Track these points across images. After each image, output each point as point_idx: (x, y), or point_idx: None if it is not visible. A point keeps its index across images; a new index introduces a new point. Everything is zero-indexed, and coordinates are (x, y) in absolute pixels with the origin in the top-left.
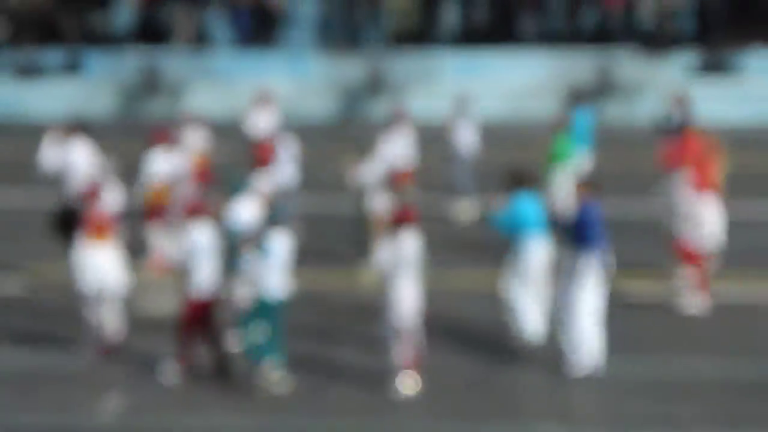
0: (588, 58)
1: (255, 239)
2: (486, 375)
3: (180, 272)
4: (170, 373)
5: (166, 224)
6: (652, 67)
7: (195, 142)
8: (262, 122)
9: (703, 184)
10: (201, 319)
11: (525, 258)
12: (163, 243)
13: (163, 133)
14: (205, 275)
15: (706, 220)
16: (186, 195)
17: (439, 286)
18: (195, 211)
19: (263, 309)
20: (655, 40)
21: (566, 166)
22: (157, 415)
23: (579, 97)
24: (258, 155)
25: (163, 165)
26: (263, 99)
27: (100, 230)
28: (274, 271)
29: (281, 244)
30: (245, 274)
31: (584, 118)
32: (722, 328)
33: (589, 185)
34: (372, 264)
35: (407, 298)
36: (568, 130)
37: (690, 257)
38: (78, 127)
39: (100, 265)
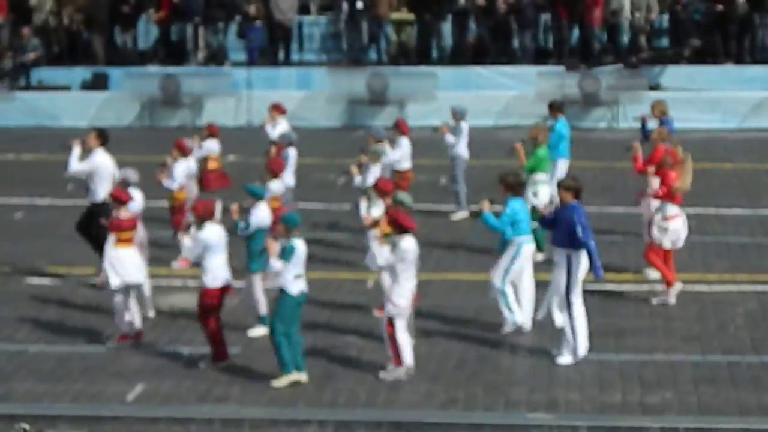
0: (572, 73)
1: (276, 240)
2: (476, 362)
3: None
4: (202, 362)
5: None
6: (629, 81)
7: (212, 150)
8: (278, 131)
9: (666, 190)
10: (217, 306)
11: (515, 254)
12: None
13: (181, 143)
14: (219, 267)
15: (670, 223)
16: (199, 198)
17: (434, 279)
18: (205, 211)
19: (285, 305)
20: (631, 56)
21: (545, 173)
22: (175, 404)
23: (557, 108)
24: (272, 162)
25: (181, 171)
26: (277, 110)
27: (126, 231)
28: (294, 271)
29: (299, 246)
30: (270, 271)
31: (562, 128)
32: (690, 321)
33: (572, 188)
34: (370, 262)
35: (406, 293)
36: (546, 139)
37: (659, 257)
38: (101, 136)
39: (128, 261)
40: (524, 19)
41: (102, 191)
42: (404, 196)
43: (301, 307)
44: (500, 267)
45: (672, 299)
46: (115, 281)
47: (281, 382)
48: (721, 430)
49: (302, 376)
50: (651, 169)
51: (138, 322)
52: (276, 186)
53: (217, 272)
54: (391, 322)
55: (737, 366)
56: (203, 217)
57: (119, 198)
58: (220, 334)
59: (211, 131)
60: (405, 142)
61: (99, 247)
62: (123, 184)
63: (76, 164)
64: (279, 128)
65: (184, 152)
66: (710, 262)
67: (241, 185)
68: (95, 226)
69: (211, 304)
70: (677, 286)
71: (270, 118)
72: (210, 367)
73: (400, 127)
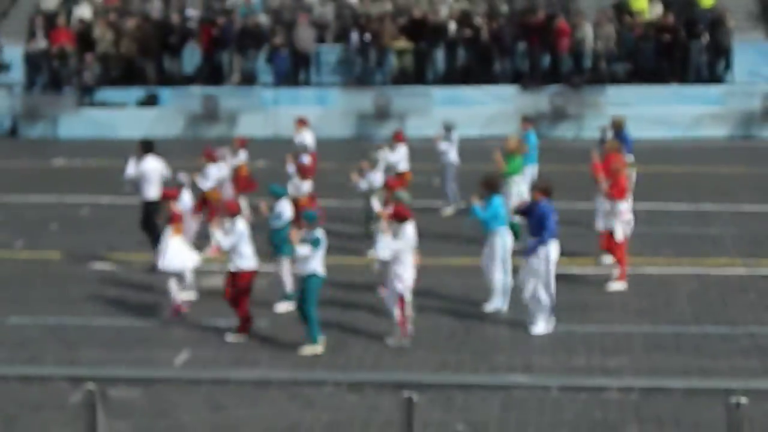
0: (543, 92)
1: (302, 234)
2: (464, 333)
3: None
4: (233, 334)
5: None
6: (592, 99)
7: (241, 158)
8: (306, 140)
9: (615, 190)
10: (248, 288)
11: (497, 244)
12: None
13: (210, 152)
14: (251, 254)
15: (621, 217)
16: (230, 198)
17: (428, 264)
18: (236, 208)
19: (310, 286)
20: (593, 78)
21: (519, 177)
22: (215, 368)
23: (528, 121)
24: (302, 168)
25: (214, 175)
26: (302, 123)
27: (178, 224)
28: (317, 258)
29: (321, 237)
30: (297, 256)
31: (532, 139)
32: (642, 298)
33: (543, 188)
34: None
35: (407, 274)
36: (524, 150)
37: (613, 245)
38: (150, 146)
39: (178, 249)
40: (504, 46)
41: (152, 191)
42: (403, 194)
43: (321, 285)
44: (496, 260)
45: (622, 282)
46: (167, 265)
47: (306, 351)
48: (669, 388)
49: (319, 347)
50: (601, 174)
51: (185, 300)
52: (306, 186)
53: (252, 258)
54: (402, 298)
55: (682, 336)
56: (235, 213)
57: (173, 195)
58: (250, 312)
59: (242, 143)
60: (402, 148)
61: (157, 239)
62: (177, 186)
63: (131, 170)
64: (306, 138)
65: (212, 159)
66: (658, 249)
67: (268, 186)
68: (152, 219)
69: (246, 284)
70: (624, 273)
71: (297, 130)
72: (234, 339)
73: (398, 137)
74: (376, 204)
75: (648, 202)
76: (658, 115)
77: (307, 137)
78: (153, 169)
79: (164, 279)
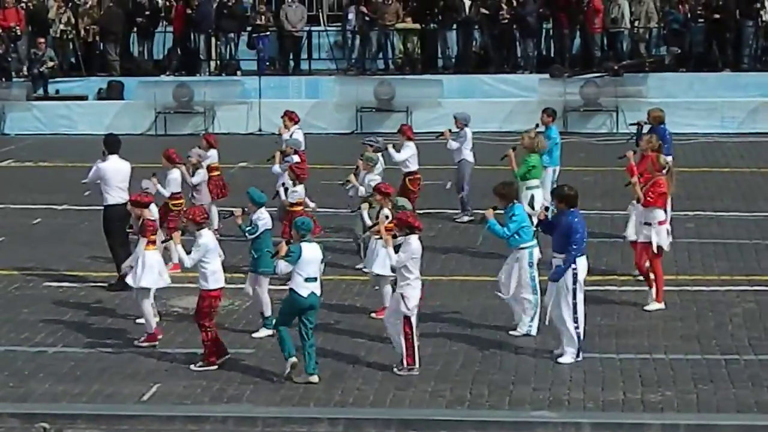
0: (571, 81)
1: (289, 243)
2: (481, 361)
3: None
4: (204, 363)
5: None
6: (627, 88)
7: (211, 158)
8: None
9: (652, 195)
10: (210, 310)
11: (530, 261)
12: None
13: (170, 153)
14: (219, 270)
15: (657, 226)
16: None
17: (441, 280)
18: (202, 217)
19: (290, 303)
20: (630, 64)
21: (537, 179)
22: (191, 402)
23: (550, 115)
24: (295, 169)
25: (173, 180)
26: (291, 118)
27: (152, 235)
28: (304, 274)
29: (305, 249)
30: (278, 271)
31: (554, 136)
32: (689, 321)
33: (566, 196)
34: (371, 264)
35: (413, 293)
36: (544, 147)
37: (650, 258)
38: (114, 143)
39: (153, 264)
40: (527, 28)
41: (115, 196)
42: (404, 201)
43: (314, 310)
44: (525, 279)
45: (658, 302)
46: (143, 282)
47: (287, 368)
48: (720, 427)
49: (314, 377)
50: (634, 178)
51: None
52: (300, 190)
53: (218, 275)
54: (408, 322)
55: (735, 364)
56: (201, 222)
57: (142, 200)
58: (218, 339)
59: (211, 141)
60: (410, 146)
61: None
62: (147, 190)
63: (92, 170)
64: (296, 135)
65: (173, 161)
66: (708, 263)
67: (246, 190)
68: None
69: (212, 305)
70: (660, 306)
71: (284, 126)
72: (202, 370)
73: (405, 133)
74: (365, 214)
75: (696, 209)
76: (708, 107)
77: (297, 134)
78: (117, 170)
79: (135, 298)
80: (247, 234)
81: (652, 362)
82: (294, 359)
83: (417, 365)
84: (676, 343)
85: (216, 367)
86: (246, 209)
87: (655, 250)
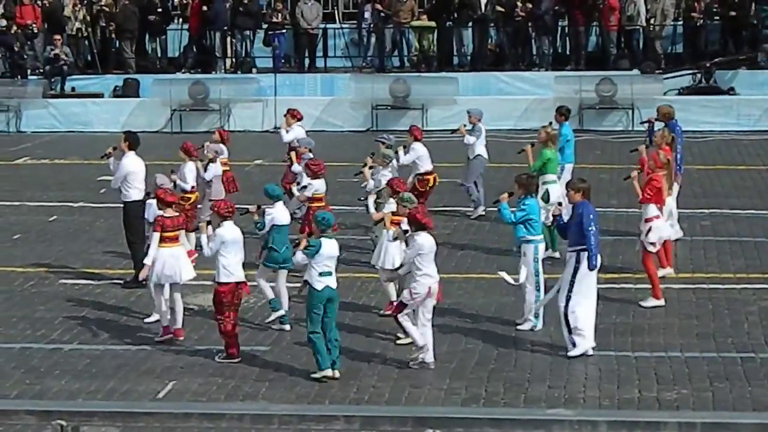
0: (588, 78)
1: (305, 239)
2: (497, 359)
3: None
4: (224, 356)
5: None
6: (645, 85)
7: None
8: (291, 135)
9: (648, 191)
10: (231, 301)
11: (535, 254)
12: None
13: (188, 146)
14: (232, 265)
15: (651, 224)
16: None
17: (456, 278)
18: (226, 210)
19: (310, 301)
20: (647, 61)
21: (554, 174)
22: (207, 399)
23: (562, 114)
24: (312, 165)
25: (192, 172)
26: (293, 115)
27: (171, 230)
28: (320, 268)
29: (324, 244)
30: (295, 263)
31: (568, 133)
32: (705, 319)
33: (580, 189)
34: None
35: (421, 288)
36: (556, 144)
37: (651, 263)
38: (136, 140)
39: (171, 259)
40: (542, 25)
41: (135, 192)
42: (410, 196)
43: (333, 304)
44: (529, 273)
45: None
46: (161, 278)
47: (317, 375)
48: (737, 425)
49: (335, 373)
50: (634, 173)
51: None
52: (318, 184)
53: (231, 269)
54: (399, 308)
55: (751, 362)
56: (223, 215)
57: (164, 199)
58: (234, 332)
59: (223, 137)
60: (419, 147)
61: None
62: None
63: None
64: (292, 133)
65: (189, 154)
66: (725, 261)
67: (263, 187)
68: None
69: (222, 300)
70: (657, 302)
71: (285, 123)
72: (225, 363)
73: (413, 134)
74: (371, 205)
75: (712, 206)
76: (724, 104)
77: (298, 131)
78: (138, 167)
79: (152, 295)
80: (257, 229)
81: (668, 360)
82: (328, 371)
83: (424, 346)
84: (692, 341)
85: (238, 360)
86: (261, 206)
87: (647, 248)
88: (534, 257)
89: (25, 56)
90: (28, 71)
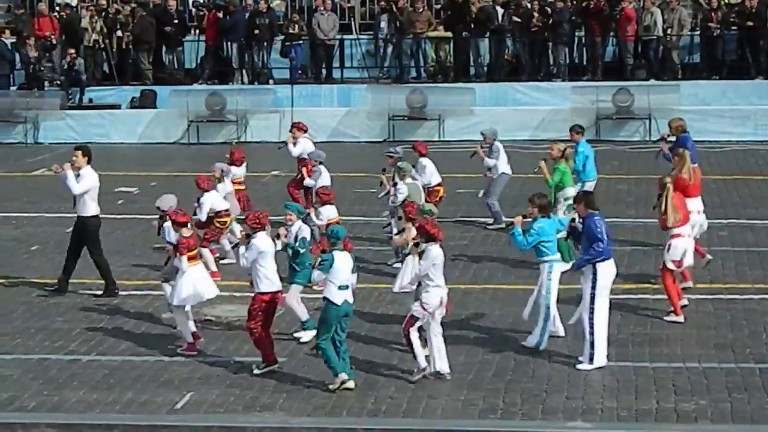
0: (605, 88)
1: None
2: (514, 370)
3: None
4: (257, 369)
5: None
6: (661, 96)
7: (237, 174)
8: (299, 149)
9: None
10: (266, 313)
11: (549, 274)
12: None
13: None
14: (272, 274)
15: (672, 241)
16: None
17: (473, 289)
18: (259, 221)
19: (327, 313)
20: (664, 71)
21: (573, 188)
22: (224, 410)
23: (577, 132)
24: (322, 191)
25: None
26: (299, 128)
27: (193, 249)
28: (338, 282)
29: (337, 258)
30: (314, 281)
31: (585, 150)
32: (723, 330)
33: (585, 199)
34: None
35: (433, 299)
36: (569, 160)
37: (669, 274)
38: (86, 154)
39: (194, 280)
40: (559, 36)
41: (93, 206)
42: (430, 207)
43: (348, 317)
44: (542, 292)
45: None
46: (183, 295)
47: (335, 384)
48: None
49: (350, 382)
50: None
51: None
52: (328, 211)
53: (271, 278)
54: (410, 322)
55: None
56: (255, 227)
57: (178, 220)
58: (268, 339)
59: (240, 158)
60: (426, 162)
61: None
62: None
63: (77, 185)
64: (300, 146)
65: (200, 188)
66: (743, 271)
67: (283, 201)
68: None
69: (260, 308)
70: (677, 318)
71: (291, 137)
72: (263, 372)
73: (417, 149)
74: (395, 228)
75: (729, 217)
76: (741, 114)
77: (305, 143)
78: (97, 183)
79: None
80: (298, 249)
81: (686, 371)
82: (344, 375)
83: (420, 367)
84: (710, 352)
85: (277, 365)
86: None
87: (667, 264)
88: (548, 276)
89: (43, 68)
90: (46, 83)
